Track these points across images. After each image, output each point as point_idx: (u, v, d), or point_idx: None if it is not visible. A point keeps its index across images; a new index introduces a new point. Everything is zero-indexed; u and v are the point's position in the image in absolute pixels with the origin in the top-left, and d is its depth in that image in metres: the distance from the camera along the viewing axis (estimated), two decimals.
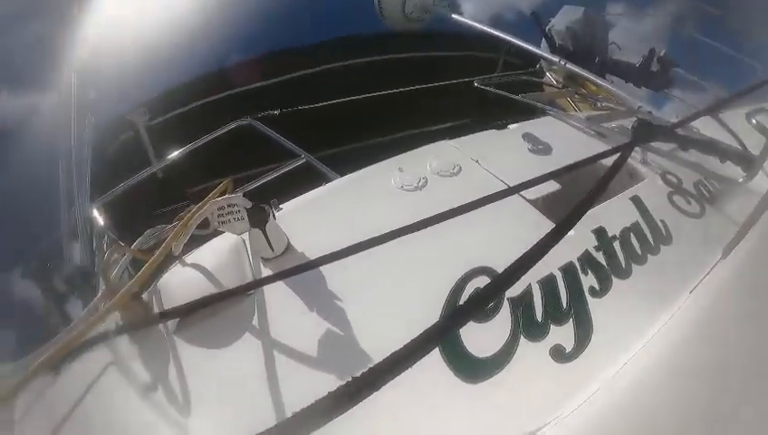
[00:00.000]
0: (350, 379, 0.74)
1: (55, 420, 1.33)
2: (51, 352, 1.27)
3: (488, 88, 3.24)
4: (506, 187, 1.83)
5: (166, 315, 1.46)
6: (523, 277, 1.46)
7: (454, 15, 4.04)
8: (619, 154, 1.65)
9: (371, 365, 0.77)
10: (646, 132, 2.12)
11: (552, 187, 1.87)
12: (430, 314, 1.37)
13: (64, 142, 2.86)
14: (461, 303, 1.42)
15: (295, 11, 4.42)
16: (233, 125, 2.86)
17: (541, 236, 1.59)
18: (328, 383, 1.22)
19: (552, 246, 1.17)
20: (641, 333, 1.42)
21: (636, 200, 1.88)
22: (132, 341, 1.46)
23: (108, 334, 1.42)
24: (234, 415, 1.24)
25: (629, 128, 2.29)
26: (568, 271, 1.54)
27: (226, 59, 3.85)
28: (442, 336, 0.99)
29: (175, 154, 2.80)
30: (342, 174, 1.97)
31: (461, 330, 1.37)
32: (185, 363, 1.37)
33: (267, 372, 1.29)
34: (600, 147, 2.26)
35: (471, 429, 1.22)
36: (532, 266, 1.13)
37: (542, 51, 3.75)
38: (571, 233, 1.63)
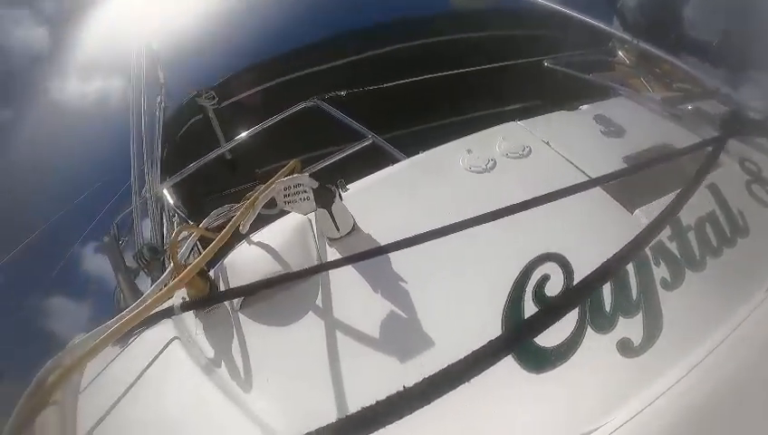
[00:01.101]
0: (418, 381, 0.72)
1: (119, 392, 1.36)
2: (119, 325, 1.31)
3: (558, 68, 3.14)
4: (576, 169, 1.78)
5: (232, 293, 1.48)
6: (592, 264, 1.42)
7: None
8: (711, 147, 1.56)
9: (439, 365, 0.75)
10: (740, 125, 1.99)
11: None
12: (496, 301, 1.35)
13: (136, 125, 2.95)
14: (527, 289, 1.38)
15: None
16: (300, 106, 2.88)
17: (610, 221, 1.58)
18: (390, 368, 1.24)
19: (639, 253, 1.11)
20: (714, 332, 1.34)
21: (712, 188, 1.76)
22: (198, 316, 1.50)
23: (174, 310, 1.45)
24: (295, 393, 1.25)
25: (716, 116, 2.16)
26: (639, 261, 1.46)
27: (293, 41, 3.86)
28: (516, 345, 0.96)
29: (243, 136, 2.85)
30: (409, 155, 1.95)
31: (526, 317, 1.34)
32: (249, 340, 1.39)
33: (329, 352, 1.29)
34: (676, 130, 2.17)
35: (532, 419, 1.18)
36: (616, 272, 1.07)
37: (614, 28, 3.61)
38: (644, 220, 1.58)
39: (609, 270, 1.05)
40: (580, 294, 1.12)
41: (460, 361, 0.74)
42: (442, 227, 1.28)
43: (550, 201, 1.32)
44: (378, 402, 0.69)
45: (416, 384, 0.71)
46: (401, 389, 0.70)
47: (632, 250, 1.07)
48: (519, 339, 0.94)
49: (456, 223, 1.28)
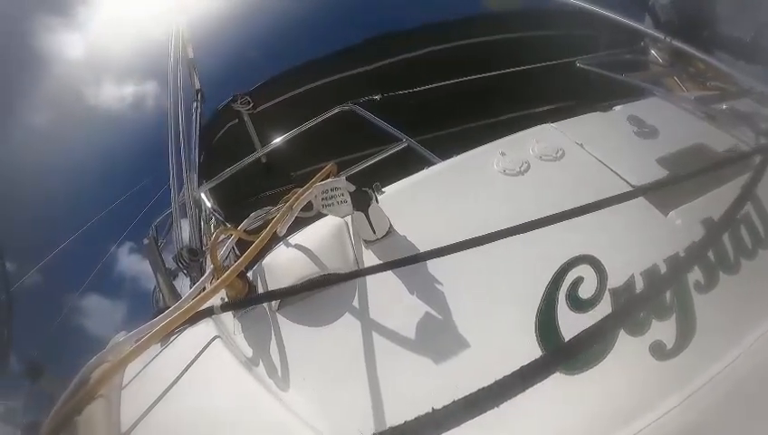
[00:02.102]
0: (454, 400, 0.72)
1: (160, 389, 1.39)
2: (164, 323, 1.34)
3: (591, 68, 3.10)
4: (610, 171, 1.77)
5: (271, 295, 1.51)
6: (625, 266, 1.42)
7: None
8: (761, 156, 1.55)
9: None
10: None
11: (657, 172, 1.79)
12: (530, 303, 1.36)
13: (173, 130, 3.01)
14: (561, 291, 1.39)
15: None
16: (335, 111, 2.90)
17: (644, 224, 1.58)
18: (426, 370, 1.26)
19: (685, 273, 1.09)
20: (747, 335, 1.35)
21: None
22: (236, 316, 1.53)
23: (214, 310, 1.48)
24: (331, 393, 1.27)
25: (754, 117, 2.13)
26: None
27: (327, 45, 3.90)
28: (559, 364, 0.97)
29: (279, 140, 2.88)
30: (444, 158, 1.96)
31: (560, 319, 1.35)
32: (286, 340, 1.42)
33: (365, 354, 1.32)
34: (710, 130, 2.14)
35: (564, 420, 1.19)
36: (659, 294, 1.06)
37: (646, 27, 3.56)
38: (677, 223, 1.57)
39: (653, 292, 1.05)
40: (628, 312, 1.13)
41: (498, 381, 0.75)
42: (479, 237, 1.29)
43: (586, 212, 1.32)
44: (407, 422, 0.69)
45: (452, 403, 0.71)
46: (437, 408, 0.70)
47: (680, 269, 1.08)
48: (562, 358, 0.95)
49: (492, 233, 1.29)
